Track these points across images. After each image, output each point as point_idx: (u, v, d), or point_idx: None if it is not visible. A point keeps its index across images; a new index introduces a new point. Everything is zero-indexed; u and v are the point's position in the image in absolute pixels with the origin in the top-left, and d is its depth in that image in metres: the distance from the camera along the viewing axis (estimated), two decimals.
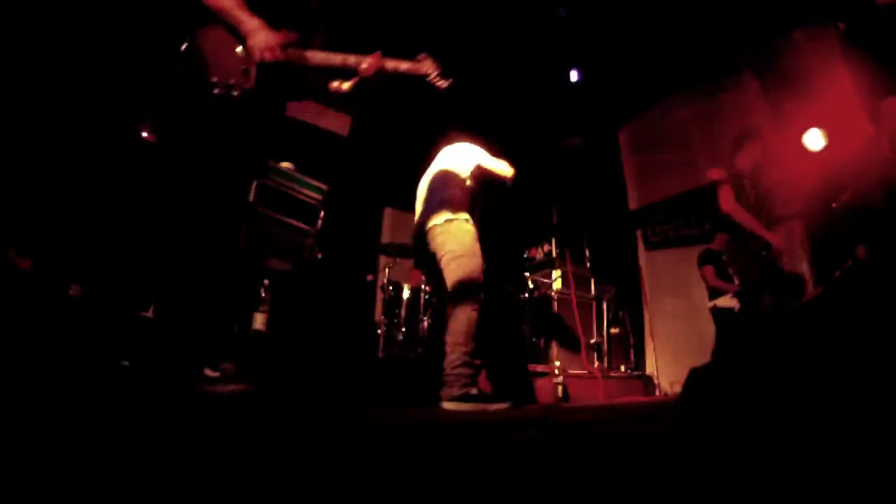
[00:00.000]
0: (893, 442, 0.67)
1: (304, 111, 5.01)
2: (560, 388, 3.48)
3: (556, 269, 4.39)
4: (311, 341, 3.30)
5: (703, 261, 4.20)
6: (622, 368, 4.58)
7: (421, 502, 0.63)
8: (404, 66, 2.03)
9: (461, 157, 2.61)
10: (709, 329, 4.22)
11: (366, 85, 2.00)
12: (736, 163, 3.31)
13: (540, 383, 3.46)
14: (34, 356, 1.74)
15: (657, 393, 4.49)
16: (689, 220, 5.17)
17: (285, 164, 3.64)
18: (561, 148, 5.41)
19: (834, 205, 3.33)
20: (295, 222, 3.53)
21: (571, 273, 4.33)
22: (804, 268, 4.10)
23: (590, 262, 4.96)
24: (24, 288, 2.18)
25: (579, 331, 4.08)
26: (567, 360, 3.99)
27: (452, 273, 2.28)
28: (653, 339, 5.12)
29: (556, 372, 3.58)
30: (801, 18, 3.96)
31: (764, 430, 0.77)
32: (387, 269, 4.25)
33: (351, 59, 1.95)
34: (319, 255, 3.70)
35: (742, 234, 3.19)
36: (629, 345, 4.87)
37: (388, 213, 5.86)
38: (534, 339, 4.00)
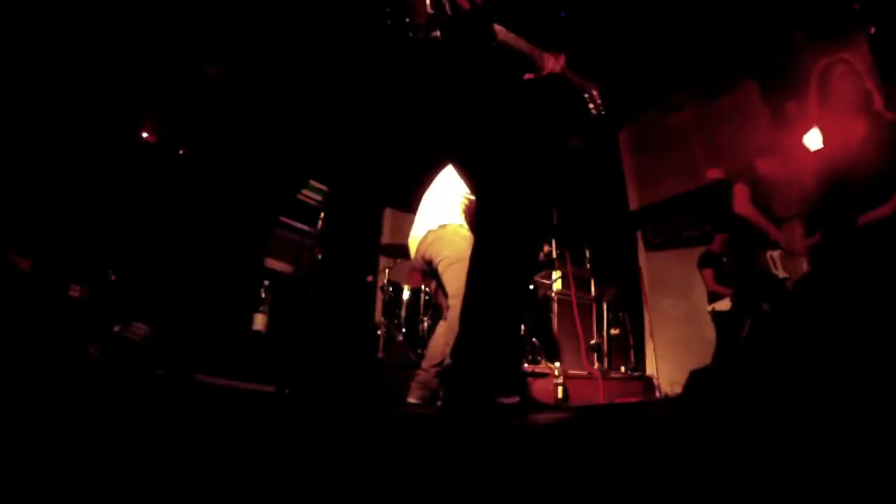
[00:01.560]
0: (893, 442, 0.67)
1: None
2: (560, 389, 3.48)
3: (556, 269, 4.39)
4: (312, 341, 3.30)
5: (703, 263, 4.21)
6: (622, 369, 4.58)
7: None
8: (576, 78, 1.98)
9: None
10: (709, 330, 4.22)
11: (542, 83, 1.88)
12: (756, 166, 3.28)
13: (540, 384, 3.46)
14: (34, 356, 1.74)
15: (657, 394, 4.49)
16: (689, 220, 5.16)
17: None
18: (562, 147, 5.40)
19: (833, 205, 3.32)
20: (295, 223, 3.54)
21: (571, 274, 4.33)
22: (804, 268, 4.10)
23: (590, 262, 4.96)
24: (24, 288, 2.18)
25: (579, 331, 4.07)
26: (567, 360, 3.99)
27: (451, 280, 2.26)
28: (653, 339, 5.12)
29: (556, 373, 3.58)
30: (802, 20, 3.96)
31: (765, 433, 0.77)
32: (387, 270, 4.25)
33: (536, 52, 1.81)
34: (319, 256, 3.70)
35: (743, 235, 3.18)
36: (629, 346, 4.87)
37: (388, 213, 5.87)
38: (534, 339, 4.00)
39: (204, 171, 3.57)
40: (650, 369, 4.96)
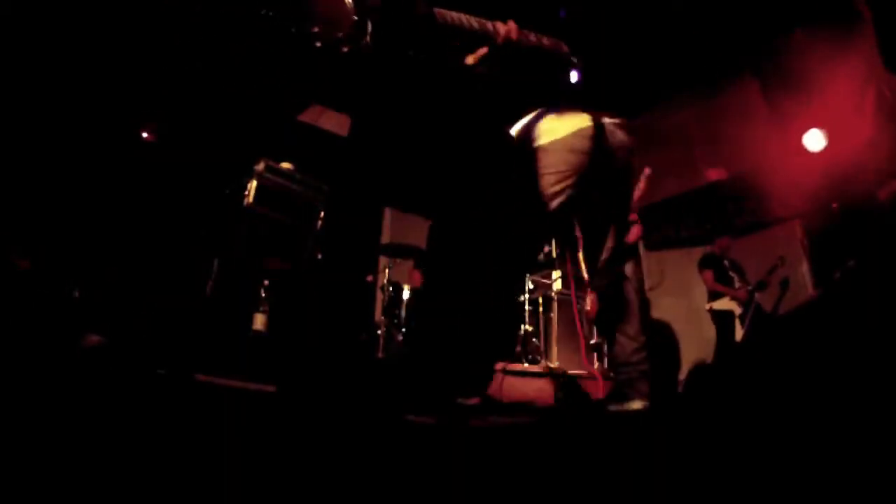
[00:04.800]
0: (894, 443, 0.67)
1: (305, 111, 5.01)
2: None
3: (556, 269, 4.39)
4: (311, 341, 3.30)
5: (703, 264, 4.29)
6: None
7: None
8: (546, 41, 1.80)
9: None
10: (709, 329, 4.22)
11: (495, 57, 1.71)
12: None
13: (539, 384, 3.46)
14: (34, 356, 1.74)
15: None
16: (689, 220, 5.16)
17: (285, 165, 3.64)
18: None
19: (834, 205, 3.33)
20: (295, 223, 3.53)
21: (571, 273, 4.33)
22: (804, 268, 4.10)
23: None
24: (24, 288, 2.18)
25: (579, 331, 4.07)
26: (567, 360, 3.99)
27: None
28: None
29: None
30: (802, 18, 3.96)
31: (765, 432, 0.77)
32: (387, 270, 4.25)
33: (489, 25, 1.68)
34: (319, 255, 3.70)
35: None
36: None
37: (388, 213, 5.87)
38: (534, 339, 4.00)
39: (202, 172, 3.57)
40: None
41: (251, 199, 3.31)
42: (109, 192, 3.05)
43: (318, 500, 0.67)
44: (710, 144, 4.92)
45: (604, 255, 2.68)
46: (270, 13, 1.55)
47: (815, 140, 3.78)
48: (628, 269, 3.60)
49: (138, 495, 0.61)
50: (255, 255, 3.24)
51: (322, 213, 3.72)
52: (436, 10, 1.58)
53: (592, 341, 4.39)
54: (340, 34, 1.50)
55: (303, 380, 2.75)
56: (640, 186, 3.48)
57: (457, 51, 1.76)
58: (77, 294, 2.47)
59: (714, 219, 4.86)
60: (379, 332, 3.94)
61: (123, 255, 3.00)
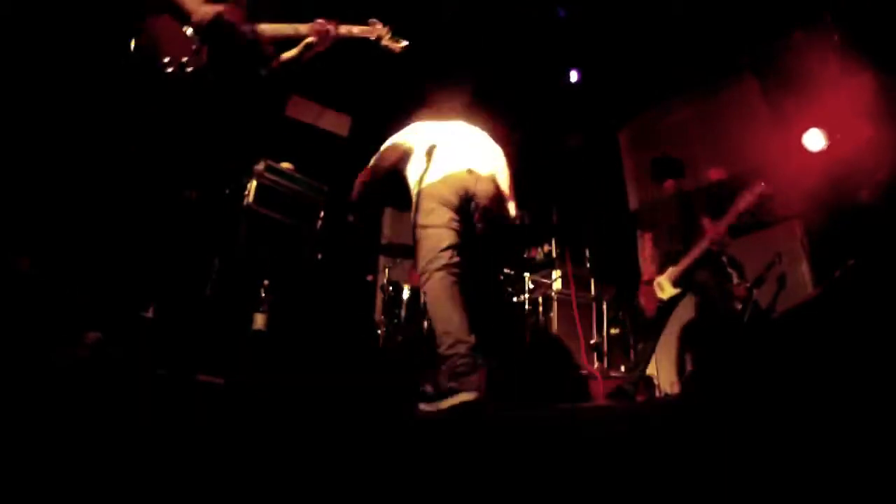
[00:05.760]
0: (892, 442, 0.67)
1: (304, 111, 5.00)
2: None
3: (556, 269, 4.39)
4: (312, 341, 3.30)
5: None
6: (622, 368, 4.58)
7: None
8: (356, 29, 2.04)
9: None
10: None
11: (309, 50, 2.04)
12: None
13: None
14: (34, 355, 1.74)
15: (657, 393, 4.49)
16: None
17: (285, 165, 3.64)
18: (562, 147, 5.40)
19: (834, 205, 3.33)
20: (295, 223, 3.53)
21: (571, 273, 4.33)
22: (804, 268, 4.10)
23: (590, 262, 4.96)
24: (23, 288, 2.18)
25: (579, 331, 4.08)
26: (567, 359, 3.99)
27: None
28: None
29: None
30: (802, 19, 3.96)
31: (762, 430, 0.77)
32: (387, 269, 4.25)
33: (302, 29, 1.98)
34: (319, 256, 3.70)
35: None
36: (629, 345, 4.86)
37: (388, 213, 5.86)
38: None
39: (202, 171, 3.57)
40: (650, 369, 4.94)
41: (251, 199, 3.31)
42: (110, 192, 3.04)
43: (318, 497, 0.67)
44: (710, 144, 4.92)
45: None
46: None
47: (815, 140, 3.77)
48: (704, 274, 3.53)
49: (139, 494, 0.61)
50: (255, 255, 3.24)
51: (322, 213, 3.72)
52: (256, 27, 1.94)
53: (592, 341, 4.39)
54: (185, 59, 1.83)
55: (301, 379, 2.75)
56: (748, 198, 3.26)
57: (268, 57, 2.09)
58: (77, 294, 2.47)
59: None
60: (379, 332, 3.93)
61: (123, 254, 3.00)
